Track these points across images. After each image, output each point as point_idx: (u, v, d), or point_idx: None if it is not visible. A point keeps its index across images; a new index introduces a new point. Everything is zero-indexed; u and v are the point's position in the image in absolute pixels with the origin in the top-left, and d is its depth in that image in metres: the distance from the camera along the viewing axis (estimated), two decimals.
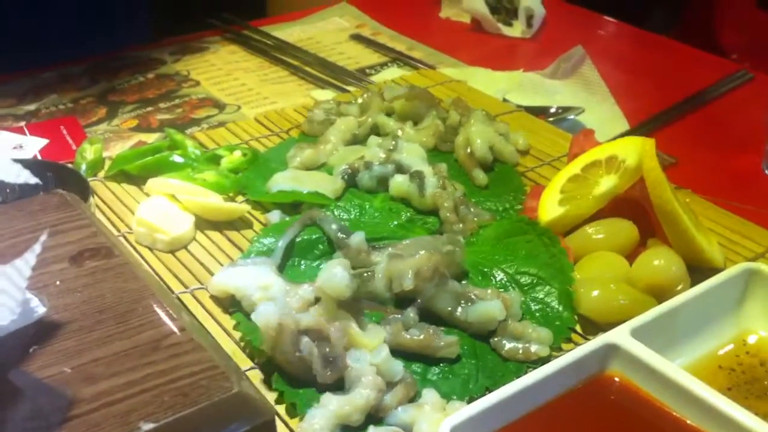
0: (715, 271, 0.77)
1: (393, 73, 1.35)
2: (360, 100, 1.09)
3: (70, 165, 0.92)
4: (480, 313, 0.72)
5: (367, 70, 1.38)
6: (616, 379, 0.66)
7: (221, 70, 1.38)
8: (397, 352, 0.70)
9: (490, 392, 0.63)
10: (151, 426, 0.44)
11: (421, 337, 0.70)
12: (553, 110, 1.21)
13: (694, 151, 1.12)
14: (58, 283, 0.54)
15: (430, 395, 0.66)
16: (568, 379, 0.65)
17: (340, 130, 1.01)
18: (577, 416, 0.64)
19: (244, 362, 0.71)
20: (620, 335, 0.66)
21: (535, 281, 0.78)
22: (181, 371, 0.48)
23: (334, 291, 0.67)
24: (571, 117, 1.20)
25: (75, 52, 1.38)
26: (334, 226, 0.81)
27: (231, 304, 0.77)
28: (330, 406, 0.63)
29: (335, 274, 0.67)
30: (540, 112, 1.20)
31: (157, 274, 0.81)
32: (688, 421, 0.62)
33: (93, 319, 0.51)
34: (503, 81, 1.32)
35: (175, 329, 0.51)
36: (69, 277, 0.55)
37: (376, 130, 1.04)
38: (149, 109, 1.24)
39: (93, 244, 0.58)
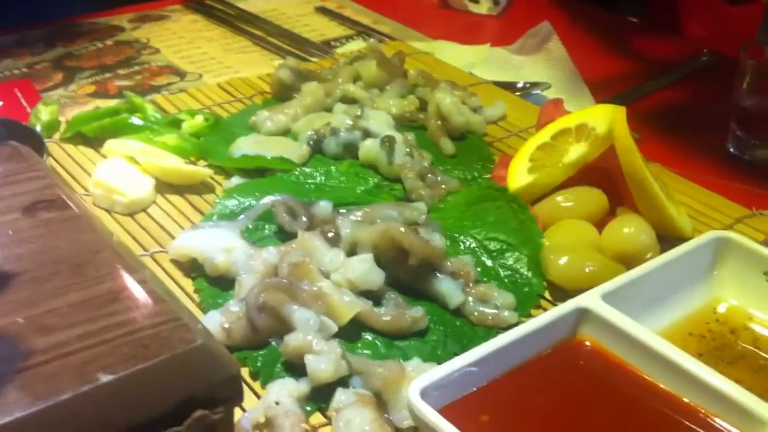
0: (684, 240, 0.76)
1: (358, 45, 1.32)
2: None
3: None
4: (439, 292, 0.71)
5: (332, 43, 1.36)
6: (587, 343, 0.65)
7: (183, 39, 1.34)
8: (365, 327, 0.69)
9: None
10: (109, 377, 0.42)
11: (389, 318, 0.68)
12: (519, 85, 1.20)
13: (658, 129, 1.11)
14: (10, 233, 0.52)
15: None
16: (538, 343, 0.63)
17: (305, 97, 0.99)
18: (548, 381, 0.63)
19: None
20: (591, 299, 0.65)
21: (504, 247, 0.77)
22: (142, 323, 0.46)
23: (367, 284, 0.68)
24: (537, 92, 1.19)
25: (33, 16, 1.34)
26: (295, 201, 0.78)
27: (193, 268, 0.74)
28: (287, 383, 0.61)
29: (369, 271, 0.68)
30: (507, 87, 1.18)
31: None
32: (660, 386, 0.61)
33: (48, 270, 0.49)
34: (470, 55, 1.30)
35: (135, 281, 0.48)
36: (22, 228, 0.52)
37: (343, 100, 1.02)
38: (107, 75, 1.20)
39: (48, 196, 0.55)
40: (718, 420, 0.59)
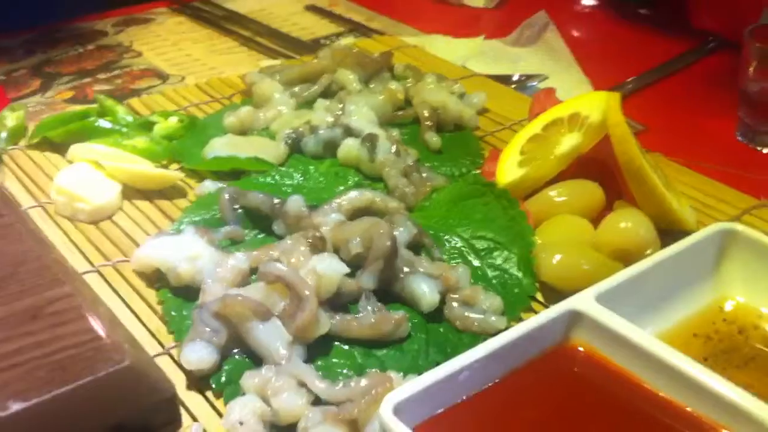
0: (687, 234, 0.70)
1: (348, 42, 1.28)
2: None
3: None
4: (411, 294, 0.66)
5: (322, 41, 1.31)
6: (580, 348, 0.59)
7: (167, 41, 1.29)
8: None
9: None
10: (20, 405, 0.37)
11: (371, 321, 0.63)
12: (515, 78, 1.15)
13: (664, 119, 1.06)
14: None
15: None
16: (526, 349, 0.58)
17: (278, 95, 0.94)
18: (538, 391, 0.57)
19: (167, 339, 0.64)
20: (584, 301, 0.59)
21: (492, 246, 0.71)
22: (63, 342, 0.40)
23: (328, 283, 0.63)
24: (534, 84, 1.14)
25: (14, 22, 1.30)
26: (260, 196, 0.73)
27: (158, 278, 0.69)
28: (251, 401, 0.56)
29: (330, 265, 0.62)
30: (502, 80, 1.13)
31: (76, 247, 0.74)
32: (661, 394, 0.56)
33: None
34: (463, 48, 1.25)
35: (61, 296, 0.43)
36: None
37: (324, 93, 0.97)
38: (87, 80, 1.15)
39: None
40: (725, 431, 0.53)
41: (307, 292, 0.60)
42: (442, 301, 0.66)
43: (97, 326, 0.41)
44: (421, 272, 0.66)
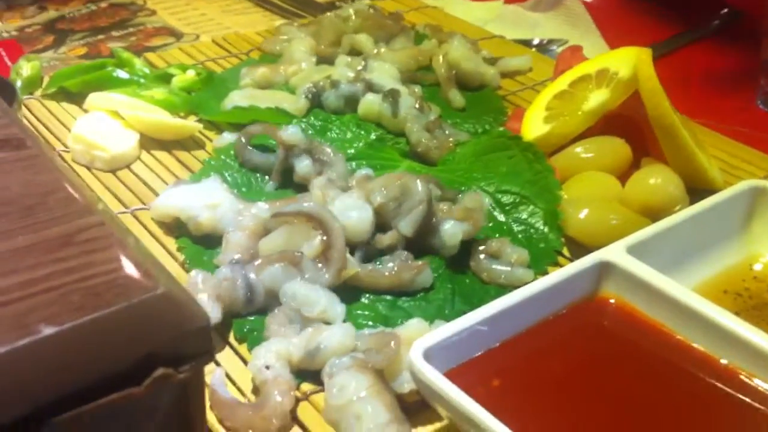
0: (715, 193, 0.69)
1: (364, 5, 1.26)
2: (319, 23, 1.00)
3: None
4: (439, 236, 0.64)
5: (337, 3, 1.29)
6: (611, 300, 0.58)
7: (181, 0, 1.28)
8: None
9: None
10: (54, 329, 0.36)
11: (391, 272, 0.62)
12: (535, 42, 1.13)
13: (683, 87, 1.04)
14: None
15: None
16: (555, 300, 0.57)
17: (301, 49, 0.92)
18: (566, 342, 0.56)
19: None
20: (615, 252, 0.58)
21: (517, 200, 0.70)
22: (96, 269, 0.39)
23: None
24: (554, 48, 1.12)
25: None
26: (305, 161, 0.71)
27: (177, 227, 0.68)
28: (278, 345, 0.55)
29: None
30: (521, 44, 1.11)
31: (94, 194, 0.72)
32: (694, 346, 0.54)
33: None
34: (481, 11, 1.23)
35: (92, 224, 0.42)
36: None
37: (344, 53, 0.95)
38: (100, 37, 1.14)
39: (2, 135, 0.49)
40: (758, 381, 0.52)
41: (336, 225, 0.59)
42: (469, 252, 0.65)
43: (130, 254, 0.40)
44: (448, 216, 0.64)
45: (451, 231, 0.63)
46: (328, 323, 0.57)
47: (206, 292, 0.58)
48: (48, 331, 0.36)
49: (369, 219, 0.63)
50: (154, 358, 0.38)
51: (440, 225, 0.64)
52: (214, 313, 0.57)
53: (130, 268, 0.40)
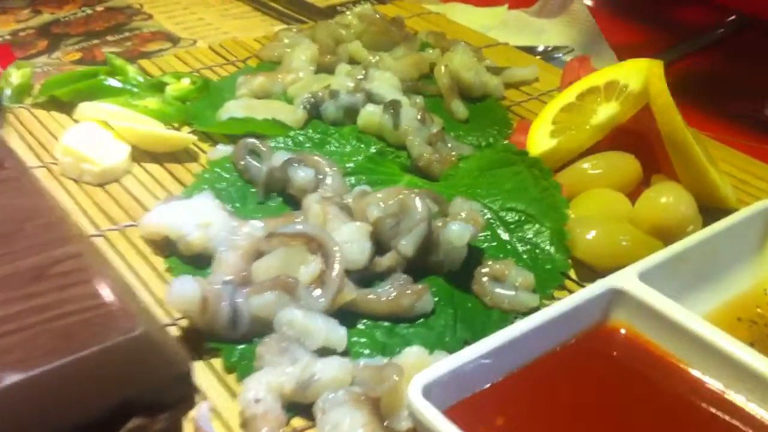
0: (727, 212, 0.66)
1: (366, 10, 1.23)
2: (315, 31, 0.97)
3: None
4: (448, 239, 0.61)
5: (338, 8, 1.26)
6: (622, 330, 0.55)
7: (178, 4, 1.25)
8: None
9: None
10: (19, 376, 0.33)
11: (390, 297, 0.59)
12: (540, 49, 1.11)
13: (689, 96, 1.01)
14: None
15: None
16: (562, 330, 0.54)
17: (301, 58, 0.89)
18: (574, 375, 0.53)
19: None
20: (627, 279, 0.55)
21: (523, 219, 0.67)
22: (69, 306, 0.36)
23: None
24: (560, 56, 1.10)
25: None
26: (301, 174, 0.68)
27: (167, 245, 0.65)
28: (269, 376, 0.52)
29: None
30: (525, 51, 1.08)
31: (81, 210, 0.70)
32: (708, 381, 0.51)
33: None
34: (485, 17, 1.20)
35: (68, 255, 0.39)
36: None
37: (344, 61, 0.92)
38: (95, 41, 1.11)
39: None
40: None
41: (335, 248, 0.56)
42: (471, 276, 0.62)
43: (107, 290, 0.37)
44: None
45: (459, 231, 0.60)
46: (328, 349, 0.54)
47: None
48: (13, 378, 0.33)
49: (368, 249, 0.60)
50: (128, 407, 0.35)
51: (441, 236, 0.61)
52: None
53: (106, 307, 0.37)
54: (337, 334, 0.54)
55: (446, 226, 0.61)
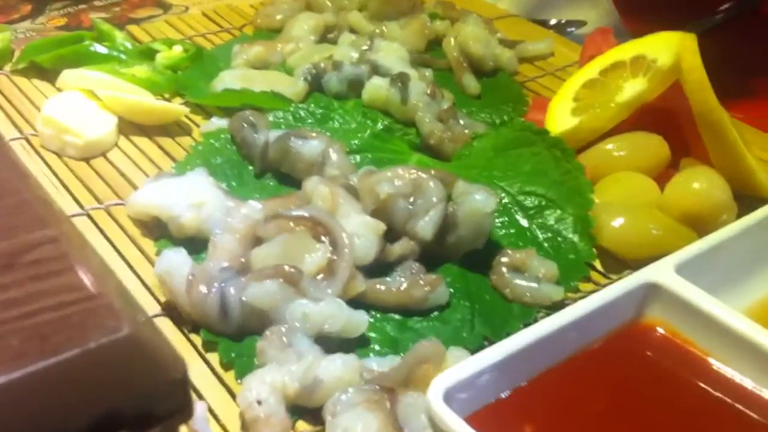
0: (762, 201, 0.62)
1: None
2: None
3: None
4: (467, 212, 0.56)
5: None
6: (658, 329, 0.50)
7: None
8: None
9: (488, 343, 0.49)
10: None
11: (401, 288, 0.54)
12: (552, 23, 1.06)
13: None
14: None
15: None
16: (593, 329, 0.49)
17: (303, 27, 0.84)
18: (605, 378, 0.49)
19: None
20: (662, 272, 0.51)
21: (543, 204, 0.62)
22: (44, 301, 0.31)
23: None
24: (572, 30, 1.05)
25: None
26: (307, 147, 0.63)
27: (157, 226, 0.60)
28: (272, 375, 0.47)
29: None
30: (537, 24, 1.04)
31: (63, 186, 0.65)
32: (749, 384, 0.47)
33: None
34: None
35: (43, 240, 0.34)
36: None
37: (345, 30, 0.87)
38: (81, 6, 1.06)
39: None
40: None
41: (343, 235, 0.51)
42: (488, 266, 0.57)
43: (89, 282, 0.32)
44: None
45: (484, 199, 0.56)
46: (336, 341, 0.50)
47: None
48: None
49: (376, 247, 0.55)
50: (115, 419, 0.30)
51: (461, 210, 0.56)
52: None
53: (87, 301, 0.32)
54: (359, 317, 0.50)
55: (468, 196, 0.56)
